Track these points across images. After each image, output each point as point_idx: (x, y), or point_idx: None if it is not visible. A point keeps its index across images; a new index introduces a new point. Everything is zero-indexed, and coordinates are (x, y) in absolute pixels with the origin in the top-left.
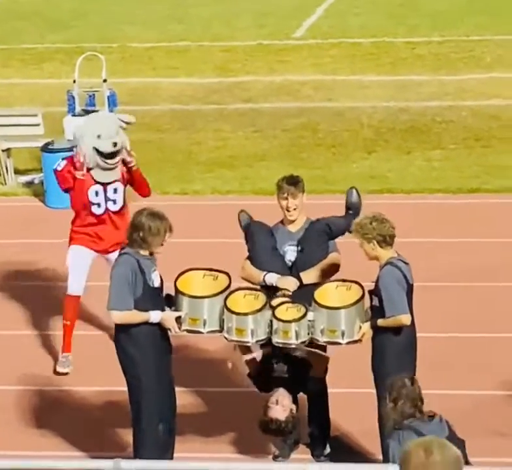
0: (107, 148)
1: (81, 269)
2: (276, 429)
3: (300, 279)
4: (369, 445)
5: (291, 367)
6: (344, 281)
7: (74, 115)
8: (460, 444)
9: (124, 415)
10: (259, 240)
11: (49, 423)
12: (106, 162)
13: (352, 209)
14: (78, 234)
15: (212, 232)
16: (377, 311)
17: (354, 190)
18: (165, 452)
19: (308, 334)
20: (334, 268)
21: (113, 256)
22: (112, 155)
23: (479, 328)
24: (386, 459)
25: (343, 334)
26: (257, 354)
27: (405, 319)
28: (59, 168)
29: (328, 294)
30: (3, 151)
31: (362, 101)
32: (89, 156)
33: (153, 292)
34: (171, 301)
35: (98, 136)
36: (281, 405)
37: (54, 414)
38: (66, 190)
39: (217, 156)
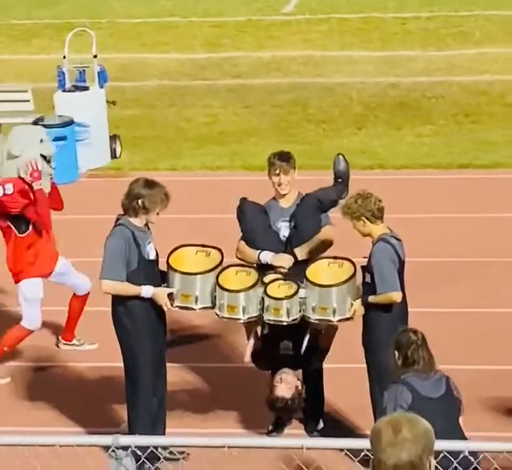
0: (50, 150)
1: (39, 303)
2: (283, 407)
3: (294, 255)
4: (360, 420)
5: (296, 344)
6: (336, 258)
7: (64, 91)
8: (455, 402)
9: (119, 390)
10: (252, 219)
11: (44, 398)
12: (50, 166)
13: (341, 177)
14: (28, 263)
15: (202, 208)
16: (369, 288)
17: (341, 157)
18: (158, 425)
19: (299, 311)
20: (328, 242)
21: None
22: (51, 158)
23: (474, 303)
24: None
25: (334, 312)
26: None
27: (396, 296)
28: (10, 192)
29: (320, 271)
30: None
31: (351, 77)
32: (40, 165)
33: (148, 264)
34: (163, 278)
35: (41, 141)
36: (286, 383)
37: (48, 389)
38: (21, 213)
39: (206, 132)
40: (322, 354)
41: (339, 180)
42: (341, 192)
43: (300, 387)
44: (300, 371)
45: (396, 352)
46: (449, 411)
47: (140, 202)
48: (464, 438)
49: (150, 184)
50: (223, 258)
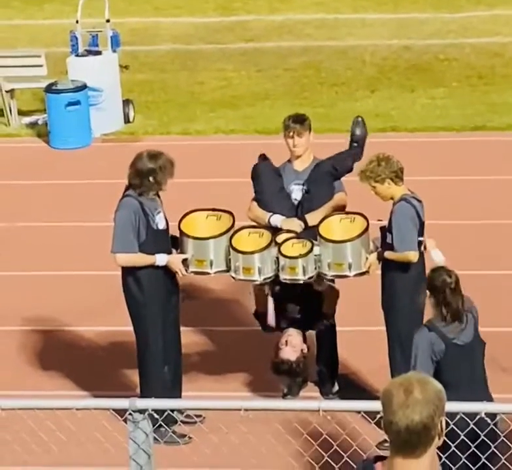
0: None
1: None
2: (288, 370)
3: (305, 221)
4: (377, 383)
5: (303, 307)
6: (347, 213)
7: (77, 56)
8: (482, 347)
9: (130, 355)
10: (266, 181)
11: (55, 364)
12: None
13: (358, 141)
14: None
15: (215, 172)
16: (391, 248)
17: (360, 120)
18: (172, 393)
19: (315, 269)
20: (339, 209)
21: None
22: None
23: (488, 265)
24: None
25: (350, 267)
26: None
27: (413, 256)
28: None
29: (333, 227)
30: (7, 92)
31: (364, 39)
32: None
33: (157, 234)
34: (176, 244)
35: None
36: (291, 346)
37: (60, 354)
38: None
39: (220, 96)
40: (329, 316)
41: (355, 144)
42: (356, 157)
43: (305, 350)
44: (308, 333)
45: (429, 293)
46: (476, 357)
47: (151, 178)
48: (486, 383)
49: (155, 156)
50: (235, 220)
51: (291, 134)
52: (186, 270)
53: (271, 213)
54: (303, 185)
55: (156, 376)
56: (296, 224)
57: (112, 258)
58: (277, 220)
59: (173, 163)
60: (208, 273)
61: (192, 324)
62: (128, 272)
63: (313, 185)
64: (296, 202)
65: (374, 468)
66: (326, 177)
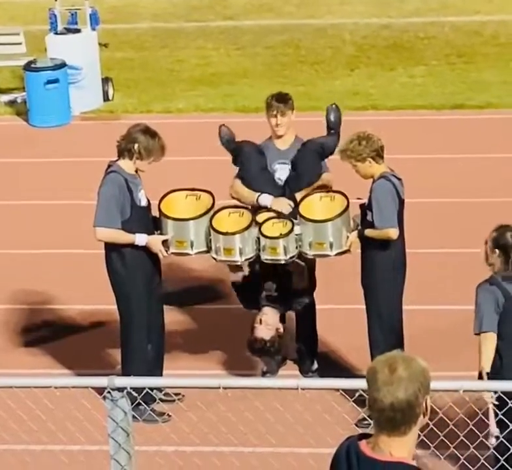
0: None
1: None
2: (261, 349)
3: (294, 200)
4: (356, 361)
5: (279, 285)
6: (328, 191)
7: (56, 34)
8: None
9: (114, 333)
10: (249, 160)
11: (38, 341)
12: None
13: (333, 127)
14: None
15: (196, 150)
16: (371, 227)
17: (333, 107)
18: (154, 371)
19: (296, 248)
20: (327, 188)
21: None
22: None
23: (469, 243)
24: (478, 314)
25: (331, 246)
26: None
27: (392, 233)
28: None
29: (313, 206)
30: None
31: (344, 18)
32: None
33: (141, 211)
34: (157, 225)
35: None
36: (265, 325)
37: (42, 332)
38: None
39: (199, 74)
40: (305, 293)
41: (332, 131)
42: (336, 142)
43: (281, 329)
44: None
45: (498, 251)
46: None
47: (136, 146)
48: None
49: (151, 132)
50: (214, 200)
51: (274, 113)
52: (166, 251)
53: (259, 193)
54: (288, 163)
55: (139, 354)
56: (285, 204)
57: (93, 235)
58: (266, 200)
59: (164, 150)
60: (189, 254)
61: (172, 301)
62: (112, 248)
63: (300, 163)
64: (280, 182)
65: (358, 446)
66: (314, 155)
